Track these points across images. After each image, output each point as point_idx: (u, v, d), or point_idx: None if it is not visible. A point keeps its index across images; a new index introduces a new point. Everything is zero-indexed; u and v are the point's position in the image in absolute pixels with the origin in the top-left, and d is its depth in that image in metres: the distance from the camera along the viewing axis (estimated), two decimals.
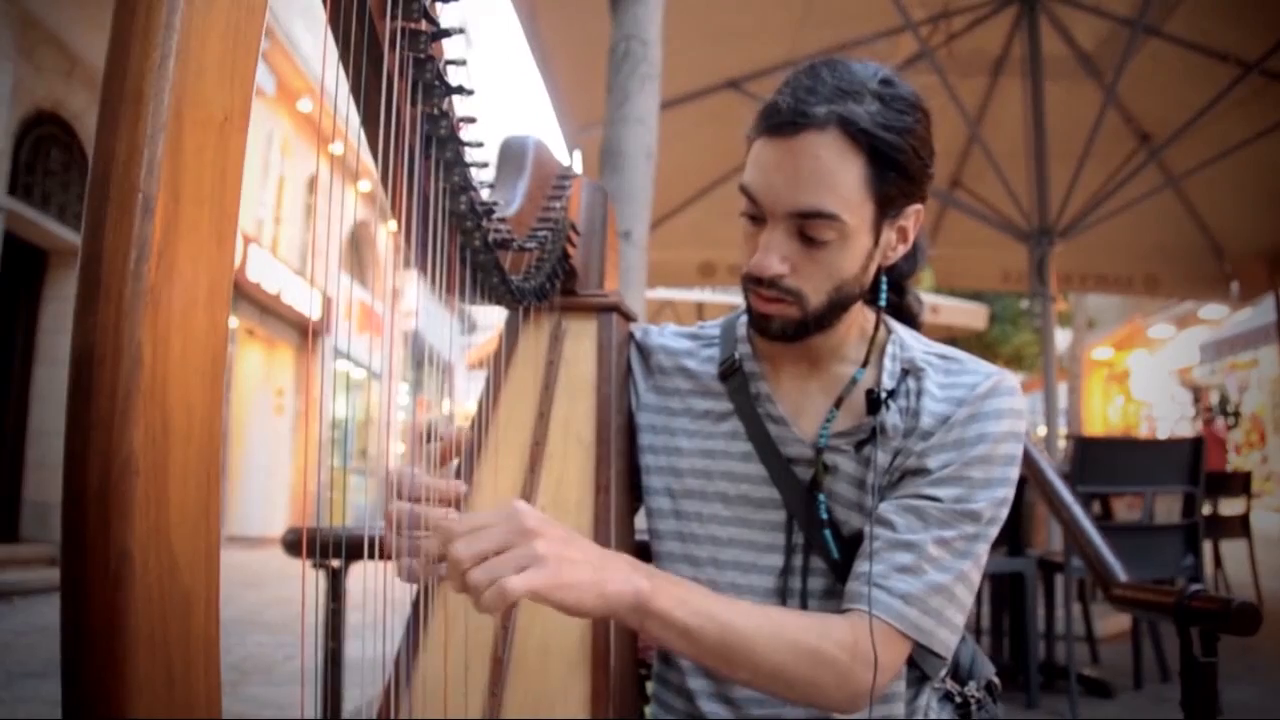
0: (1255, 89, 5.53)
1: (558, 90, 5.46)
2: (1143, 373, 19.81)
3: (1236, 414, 16.51)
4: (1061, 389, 14.58)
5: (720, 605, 1.03)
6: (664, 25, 3.35)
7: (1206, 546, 6.10)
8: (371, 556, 1.01)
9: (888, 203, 1.11)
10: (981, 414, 1.15)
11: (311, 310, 13.94)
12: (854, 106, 1.07)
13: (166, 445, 0.60)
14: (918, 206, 1.16)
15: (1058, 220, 5.86)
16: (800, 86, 1.09)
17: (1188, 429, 17.11)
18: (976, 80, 6.31)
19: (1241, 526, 6.22)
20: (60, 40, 8.81)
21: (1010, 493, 1.16)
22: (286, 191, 14.18)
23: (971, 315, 10.45)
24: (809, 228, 1.09)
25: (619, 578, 0.95)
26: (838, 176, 1.07)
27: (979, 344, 16.68)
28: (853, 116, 1.06)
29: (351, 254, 16.65)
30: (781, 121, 1.08)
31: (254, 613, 6.52)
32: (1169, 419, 18.42)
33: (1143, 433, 18.46)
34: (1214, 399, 17.20)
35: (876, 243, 1.14)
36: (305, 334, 14.82)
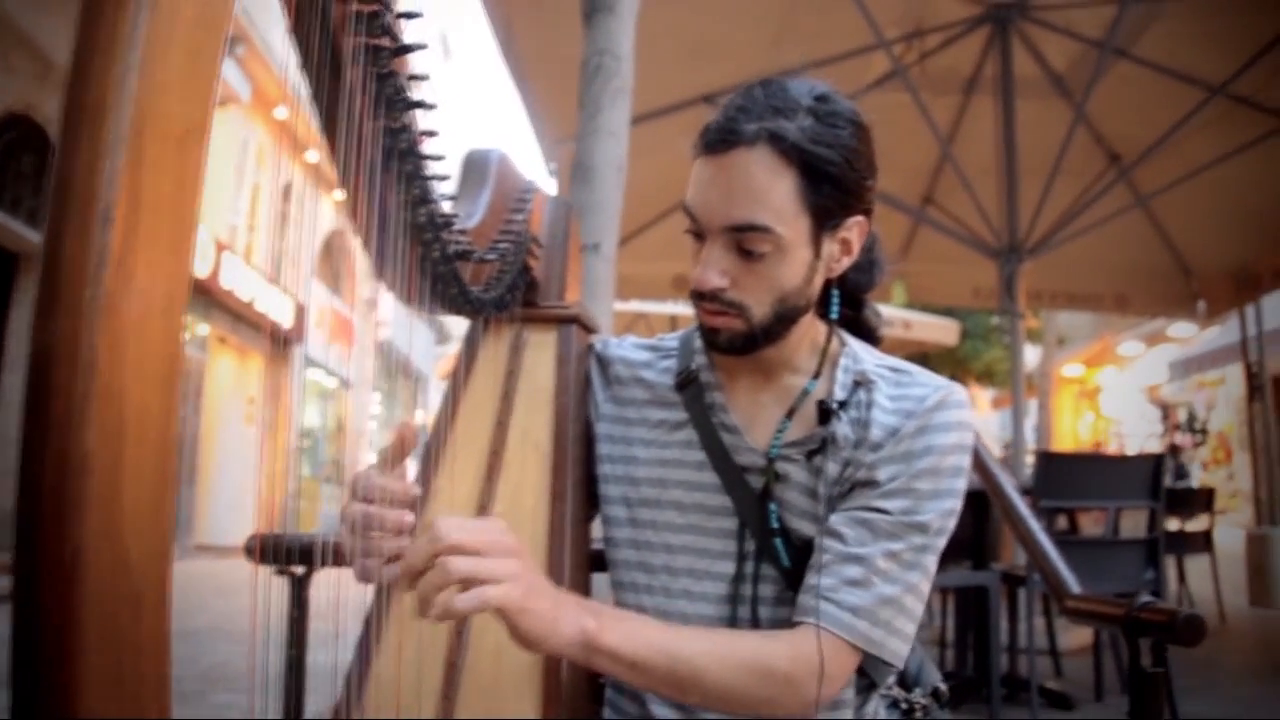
0: (1222, 111, 5.61)
1: (533, 104, 5.48)
2: (1112, 390, 19.99)
3: (1204, 431, 16.67)
4: (1032, 405, 14.70)
5: (668, 635, 1.06)
6: (639, 40, 3.37)
7: (1171, 562, 6.18)
8: (335, 564, 1.03)
9: (825, 215, 1.14)
10: (930, 427, 1.18)
11: (284, 318, 13.90)
12: (784, 123, 1.11)
13: (121, 446, 0.62)
14: (859, 218, 1.18)
15: (1027, 238, 5.92)
16: (733, 106, 1.14)
17: (1156, 446, 17.24)
18: (949, 98, 6.36)
19: (1205, 542, 6.29)
20: (34, 43, 8.76)
21: (958, 504, 1.18)
22: (261, 199, 14.12)
23: (943, 331, 10.54)
24: (745, 241, 1.13)
25: (569, 615, 0.98)
26: (769, 191, 1.11)
27: (951, 360, 16.76)
28: (782, 132, 1.10)
29: (325, 263, 16.59)
30: (713, 140, 1.13)
31: (223, 621, 6.47)
32: (1138, 436, 18.57)
33: (1113, 449, 18.60)
34: (1182, 416, 17.36)
35: (818, 254, 1.17)
36: (277, 342, 14.76)
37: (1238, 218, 6.75)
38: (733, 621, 1.22)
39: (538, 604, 0.94)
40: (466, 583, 0.89)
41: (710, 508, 1.25)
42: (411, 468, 1.20)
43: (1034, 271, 6.38)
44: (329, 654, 1.11)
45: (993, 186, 6.00)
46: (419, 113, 0.96)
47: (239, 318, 13.74)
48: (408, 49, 0.89)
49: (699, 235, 1.17)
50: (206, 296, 12.72)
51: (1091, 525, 5.71)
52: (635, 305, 8.81)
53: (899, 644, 1.14)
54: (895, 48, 5.58)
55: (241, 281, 13.15)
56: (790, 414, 1.22)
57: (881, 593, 1.12)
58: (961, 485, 1.19)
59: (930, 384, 1.22)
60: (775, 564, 1.21)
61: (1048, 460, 4.34)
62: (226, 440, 14.19)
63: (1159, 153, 5.81)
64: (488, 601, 0.89)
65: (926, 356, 14.24)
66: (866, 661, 1.15)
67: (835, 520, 1.16)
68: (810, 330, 1.26)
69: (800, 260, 1.15)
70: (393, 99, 0.91)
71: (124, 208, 0.61)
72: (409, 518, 1.04)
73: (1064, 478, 4.19)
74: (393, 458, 1.06)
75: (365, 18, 0.84)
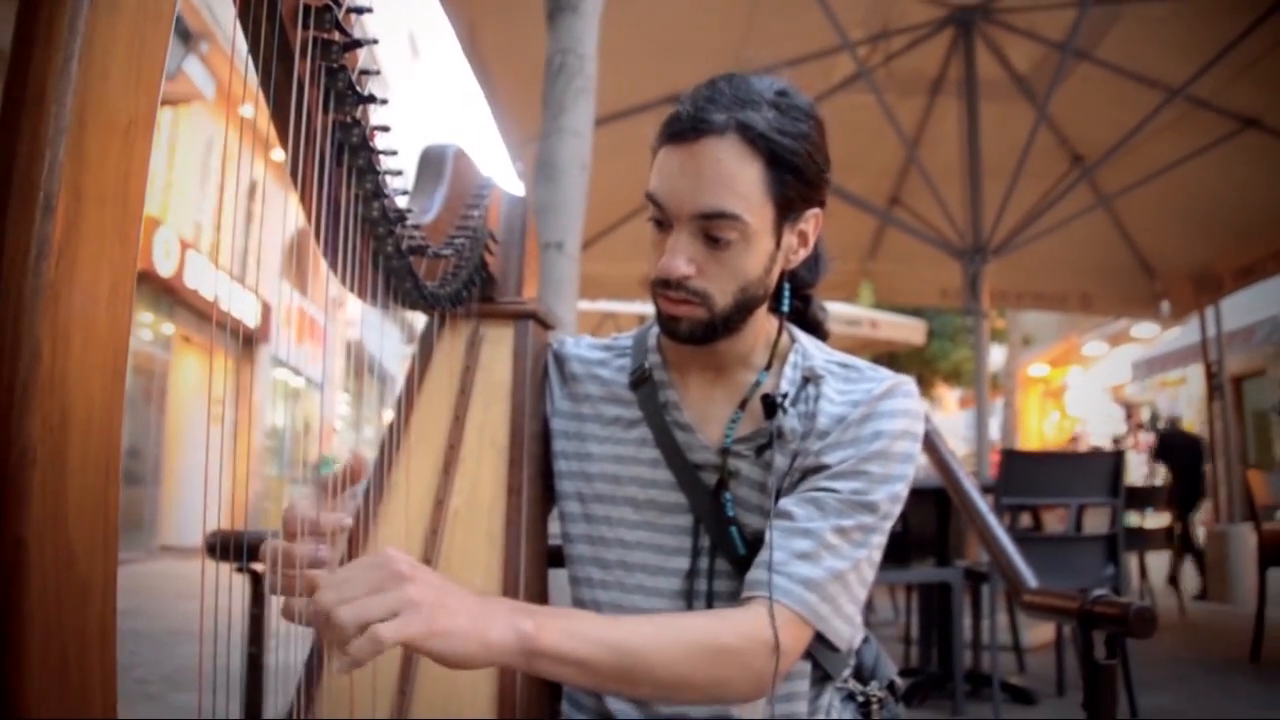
0: (1182, 113, 5.68)
1: (498, 104, 5.47)
2: (1077, 389, 20.18)
3: None
4: (998, 405, 14.81)
5: (611, 627, 1.02)
6: (604, 41, 3.38)
7: (1134, 558, 6.25)
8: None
9: (787, 205, 1.16)
10: (877, 413, 1.19)
11: (250, 318, 13.79)
12: (751, 113, 1.12)
13: (65, 437, 0.62)
14: (816, 210, 1.21)
15: (991, 238, 5.95)
16: (700, 96, 1.15)
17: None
18: (914, 100, 6.41)
19: (1166, 539, 6.37)
20: None
21: (905, 491, 1.20)
22: (226, 197, 13.99)
23: (911, 330, 10.61)
24: (713, 228, 1.14)
25: (500, 623, 0.91)
26: (738, 178, 1.12)
27: (918, 359, 16.88)
28: (750, 122, 1.12)
29: (293, 262, 16.48)
30: (683, 129, 1.14)
31: (187, 622, 6.42)
32: (1103, 435, 18.74)
33: (1079, 448, 18.76)
34: (1145, 415, 17.54)
35: (778, 245, 1.19)
36: (243, 341, 14.64)
37: (1199, 219, 6.84)
38: None
39: (452, 623, 0.86)
40: (361, 627, 0.82)
41: (664, 504, 1.26)
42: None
43: (999, 272, 6.43)
44: (290, 653, 1.11)
45: (958, 187, 6.04)
46: (373, 108, 0.96)
47: (204, 317, 13.62)
48: (358, 44, 0.89)
49: (661, 223, 1.18)
50: (171, 296, 12.60)
51: (1056, 523, 5.77)
52: (604, 305, 8.82)
53: (841, 624, 1.14)
54: (860, 50, 5.61)
55: (207, 280, 13.03)
56: (743, 405, 1.24)
57: (831, 567, 1.13)
58: (910, 472, 1.20)
59: (878, 377, 1.24)
60: (730, 556, 1.22)
61: (1010, 458, 4.38)
62: (191, 440, 14.05)
63: (1121, 154, 5.87)
64: (382, 640, 0.82)
65: (894, 356, 14.33)
66: (815, 649, 1.16)
67: (785, 502, 1.17)
68: (764, 325, 1.27)
69: (763, 250, 1.17)
70: (344, 93, 0.91)
71: (66, 198, 0.61)
72: (323, 552, 1.00)
73: (1025, 476, 4.23)
74: (340, 484, 1.05)
75: (314, 11, 0.84)
